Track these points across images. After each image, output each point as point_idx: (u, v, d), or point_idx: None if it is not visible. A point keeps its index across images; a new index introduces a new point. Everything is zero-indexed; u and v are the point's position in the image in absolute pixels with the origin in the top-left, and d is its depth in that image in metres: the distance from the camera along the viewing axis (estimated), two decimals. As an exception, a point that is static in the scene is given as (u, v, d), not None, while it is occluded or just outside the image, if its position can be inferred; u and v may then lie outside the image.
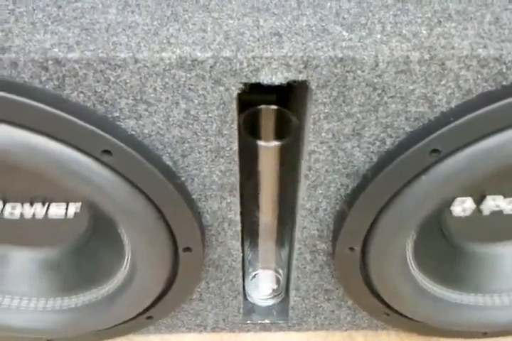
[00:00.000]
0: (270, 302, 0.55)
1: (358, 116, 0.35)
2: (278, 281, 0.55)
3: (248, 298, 0.55)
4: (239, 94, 0.34)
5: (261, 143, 0.40)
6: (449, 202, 0.45)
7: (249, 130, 0.40)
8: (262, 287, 0.55)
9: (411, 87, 0.34)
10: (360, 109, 0.35)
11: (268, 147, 0.40)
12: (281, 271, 0.55)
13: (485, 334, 0.53)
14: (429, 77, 0.34)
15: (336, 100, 0.34)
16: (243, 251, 0.47)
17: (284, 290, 0.54)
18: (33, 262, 0.48)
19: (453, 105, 0.35)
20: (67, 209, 0.44)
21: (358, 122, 0.36)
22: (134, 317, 0.48)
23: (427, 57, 0.33)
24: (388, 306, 0.48)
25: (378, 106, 0.35)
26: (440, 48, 0.33)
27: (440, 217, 0.47)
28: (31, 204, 0.44)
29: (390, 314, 0.49)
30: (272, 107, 0.43)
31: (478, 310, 0.49)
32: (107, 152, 0.35)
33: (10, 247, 0.48)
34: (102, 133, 0.34)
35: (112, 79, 0.33)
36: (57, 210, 0.44)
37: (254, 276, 0.55)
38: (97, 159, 0.35)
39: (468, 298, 0.48)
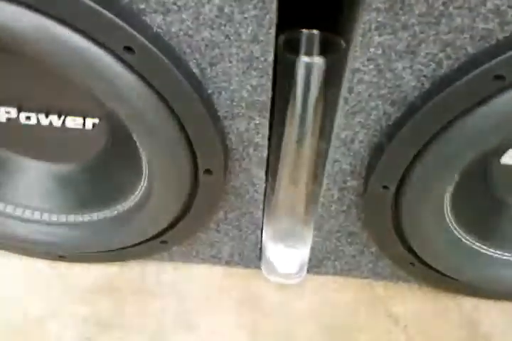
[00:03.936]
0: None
1: (415, 29, 0.31)
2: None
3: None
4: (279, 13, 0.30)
5: (304, 58, 0.35)
6: (501, 151, 0.41)
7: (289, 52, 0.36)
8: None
9: (483, -4, 0.29)
10: (419, 19, 0.30)
11: (311, 63, 0.35)
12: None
13: (510, 297, 0.49)
14: (508, -15, 0.29)
15: (393, 6, 0.30)
16: (267, 180, 0.44)
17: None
18: (48, 176, 0.47)
19: (529, 24, 0.30)
20: (84, 123, 0.42)
21: (414, 37, 0.31)
22: (149, 240, 0.47)
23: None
24: (415, 255, 0.45)
25: (441, 17, 0.30)
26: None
27: (487, 166, 0.42)
28: (46, 115, 0.41)
29: (416, 264, 0.46)
30: (315, 31, 0.38)
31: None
32: (129, 49, 0.32)
33: (26, 159, 0.46)
34: (124, 25, 0.30)
35: (140, -41, 0.29)
36: (73, 125, 0.42)
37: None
38: (117, 56, 0.32)
39: (503, 254, 0.45)
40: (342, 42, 0.36)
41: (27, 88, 0.40)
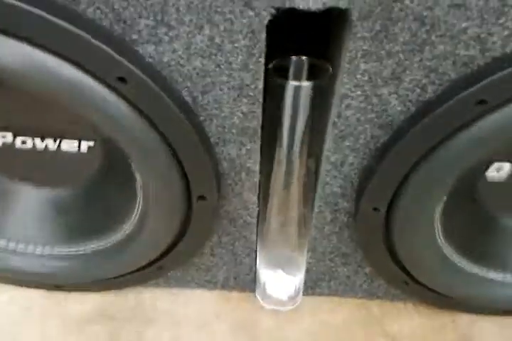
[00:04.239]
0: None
1: (400, 57, 0.32)
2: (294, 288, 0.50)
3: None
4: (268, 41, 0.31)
5: (292, 82, 0.36)
6: (485, 167, 0.42)
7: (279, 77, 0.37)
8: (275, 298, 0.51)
9: (464, 25, 0.30)
10: (403, 47, 0.31)
11: (300, 86, 0.36)
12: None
13: (508, 312, 0.49)
14: (486, 13, 0.30)
15: (378, 35, 0.31)
16: (259, 205, 0.44)
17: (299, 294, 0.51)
18: (42, 204, 0.46)
19: (508, 50, 0.32)
20: (79, 146, 0.42)
21: (399, 64, 0.32)
22: (144, 267, 0.47)
23: (486, -10, 0.29)
24: (408, 274, 0.45)
25: (424, 45, 0.31)
26: (502, -19, 0.29)
27: (473, 184, 0.43)
28: (42, 139, 0.42)
29: (410, 283, 0.47)
30: (303, 57, 0.39)
31: (504, 286, 0.45)
32: (121, 79, 0.32)
33: (19, 187, 0.46)
34: (117, 56, 0.31)
35: (132, -6, 0.30)
36: (68, 148, 0.42)
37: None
38: (111, 87, 0.32)
39: (495, 274, 0.45)
40: (329, 67, 0.37)
41: (21, 113, 0.40)
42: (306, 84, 0.36)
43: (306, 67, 0.39)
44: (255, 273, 0.51)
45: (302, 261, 0.48)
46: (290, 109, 0.38)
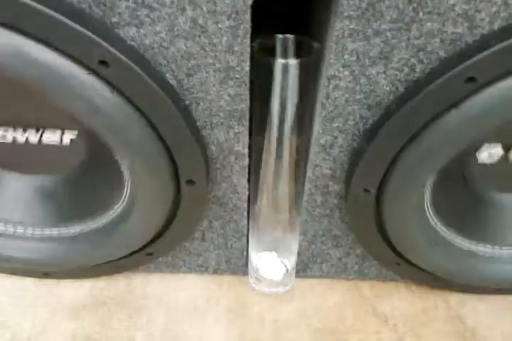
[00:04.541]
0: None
1: (387, 35, 0.31)
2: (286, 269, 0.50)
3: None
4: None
5: (280, 60, 0.35)
6: (476, 147, 0.42)
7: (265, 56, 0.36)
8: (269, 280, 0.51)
9: (451, 2, 0.30)
10: (390, 26, 0.31)
11: (287, 64, 0.35)
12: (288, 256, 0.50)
13: (498, 291, 0.50)
14: (474, -11, 0.29)
15: (365, 14, 0.30)
16: (249, 189, 0.44)
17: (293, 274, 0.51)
18: (28, 189, 0.46)
19: (496, 27, 0.31)
20: (62, 136, 0.41)
21: (386, 42, 0.32)
22: (134, 252, 0.47)
23: (473, -36, 0.28)
24: (400, 255, 0.45)
25: (412, 23, 0.31)
26: (490, -45, 0.28)
27: (463, 162, 0.43)
28: (24, 130, 0.41)
29: (401, 264, 0.47)
30: (289, 35, 0.39)
31: (496, 263, 0.46)
32: (103, 63, 0.31)
33: (4, 173, 0.45)
34: (98, 39, 0.30)
35: (111, -25, 0.29)
36: (51, 137, 0.41)
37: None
38: (92, 71, 0.32)
39: (485, 249, 0.45)
40: (315, 44, 0.36)
41: (3, 105, 0.40)
42: (293, 61, 0.35)
43: (292, 44, 0.39)
44: (247, 256, 0.51)
45: (294, 243, 0.48)
46: (279, 88, 0.37)
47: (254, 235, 0.48)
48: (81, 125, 0.40)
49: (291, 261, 0.50)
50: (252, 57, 0.34)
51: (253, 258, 0.50)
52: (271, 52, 0.38)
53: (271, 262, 0.50)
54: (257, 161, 0.43)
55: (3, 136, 0.41)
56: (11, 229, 0.45)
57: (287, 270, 0.50)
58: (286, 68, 0.36)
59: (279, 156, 0.42)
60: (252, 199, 0.46)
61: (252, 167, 0.43)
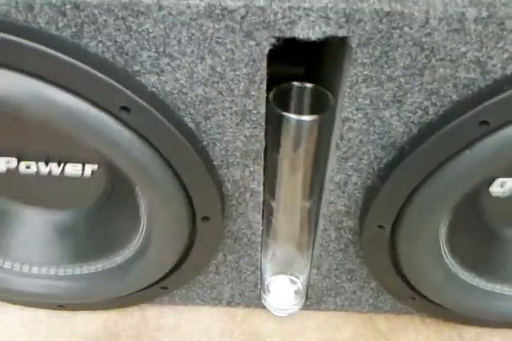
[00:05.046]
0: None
1: (400, 81, 0.32)
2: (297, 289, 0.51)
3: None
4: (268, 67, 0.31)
5: (291, 116, 0.36)
6: (489, 183, 0.42)
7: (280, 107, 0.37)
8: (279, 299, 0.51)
9: (463, 49, 0.31)
10: (403, 72, 0.32)
11: (299, 121, 0.36)
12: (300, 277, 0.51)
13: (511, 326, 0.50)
14: (485, 38, 0.30)
15: (378, 61, 0.31)
16: (263, 225, 0.44)
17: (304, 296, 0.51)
18: (47, 227, 0.47)
19: (508, 72, 0.32)
20: (83, 170, 0.42)
21: (400, 87, 0.33)
22: (148, 287, 0.47)
23: (484, 14, 0.29)
24: (415, 290, 0.45)
25: (424, 69, 0.31)
26: (500, 5, 0.29)
27: (477, 199, 0.43)
28: (46, 163, 0.42)
29: (416, 298, 0.47)
30: (306, 84, 0.39)
31: (509, 300, 0.45)
32: (125, 109, 0.32)
33: (23, 209, 0.46)
34: (120, 87, 0.31)
35: (134, 27, 0.30)
36: (72, 171, 0.42)
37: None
38: (114, 116, 0.33)
39: (501, 287, 0.45)
40: (331, 98, 0.37)
41: (26, 139, 0.41)
42: (307, 118, 0.36)
43: (307, 95, 0.39)
44: (260, 289, 0.51)
45: (306, 263, 0.49)
46: (292, 142, 0.38)
47: (266, 256, 0.49)
48: (100, 160, 0.41)
49: (302, 280, 0.50)
50: (267, 104, 0.34)
51: (265, 280, 0.50)
52: (286, 100, 0.39)
53: (283, 282, 0.51)
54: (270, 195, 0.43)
55: (27, 167, 0.42)
56: (26, 268, 0.46)
57: (299, 289, 0.50)
58: (300, 124, 0.36)
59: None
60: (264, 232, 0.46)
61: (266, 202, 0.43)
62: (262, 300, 0.51)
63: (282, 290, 0.51)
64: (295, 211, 0.44)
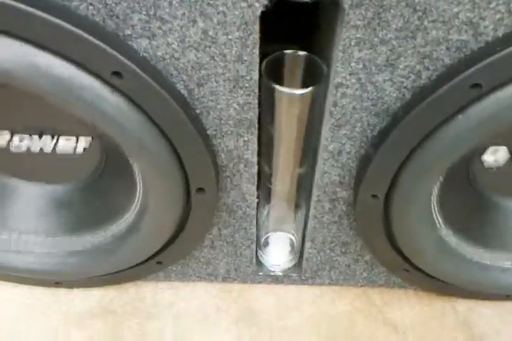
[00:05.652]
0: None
1: (393, 44, 0.32)
2: (292, 245, 0.52)
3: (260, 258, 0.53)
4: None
5: (283, 89, 0.36)
6: (481, 151, 0.42)
7: (272, 78, 0.37)
8: (276, 254, 0.53)
9: (456, 10, 0.30)
10: (396, 34, 0.32)
11: (292, 95, 0.36)
12: (295, 234, 0.52)
13: (508, 297, 0.50)
14: (477, -2, 0.30)
15: (371, 23, 0.31)
16: (258, 197, 0.44)
17: (298, 252, 0.52)
18: (42, 199, 0.46)
19: (500, 33, 0.32)
20: (77, 143, 0.42)
21: (392, 51, 0.32)
22: (144, 262, 0.47)
23: (477, -27, 0.29)
24: (409, 262, 0.46)
25: (417, 31, 0.31)
26: (493, -35, 0.29)
27: (470, 166, 0.44)
28: (40, 136, 0.42)
29: (410, 270, 0.47)
30: (299, 53, 0.39)
31: (504, 271, 0.46)
32: (117, 74, 0.32)
33: (19, 182, 0.46)
34: (112, 51, 0.31)
35: (124, -12, 0.30)
36: (66, 144, 0.42)
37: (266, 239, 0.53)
38: (106, 82, 0.32)
39: (493, 256, 0.46)
40: (324, 68, 0.37)
41: (18, 111, 0.40)
42: (300, 91, 0.36)
43: (301, 64, 0.39)
44: (256, 264, 0.51)
45: (300, 220, 0.49)
46: (284, 115, 0.38)
47: (261, 215, 0.49)
48: (94, 132, 0.41)
49: (297, 235, 0.51)
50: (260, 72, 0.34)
51: (261, 236, 0.51)
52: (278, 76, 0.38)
53: (278, 239, 0.52)
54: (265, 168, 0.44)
55: (18, 146, 0.42)
56: (22, 244, 0.46)
57: (294, 244, 0.51)
58: (292, 97, 0.36)
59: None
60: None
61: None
62: (259, 256, 0.52)
63: (278, 246, 0.52)
64: (291, 177, 0.44)
